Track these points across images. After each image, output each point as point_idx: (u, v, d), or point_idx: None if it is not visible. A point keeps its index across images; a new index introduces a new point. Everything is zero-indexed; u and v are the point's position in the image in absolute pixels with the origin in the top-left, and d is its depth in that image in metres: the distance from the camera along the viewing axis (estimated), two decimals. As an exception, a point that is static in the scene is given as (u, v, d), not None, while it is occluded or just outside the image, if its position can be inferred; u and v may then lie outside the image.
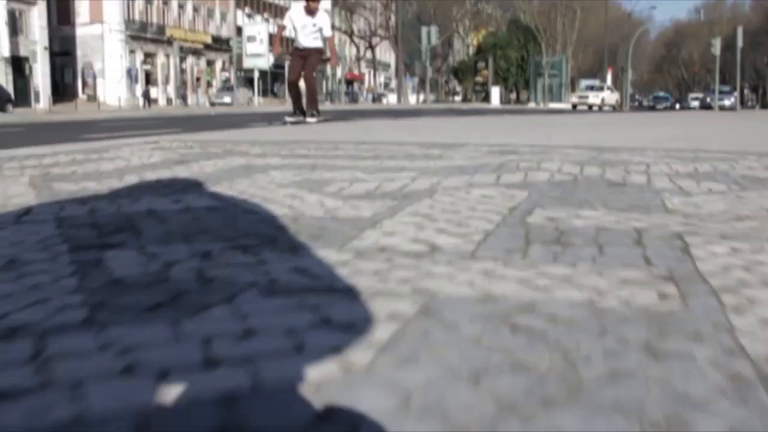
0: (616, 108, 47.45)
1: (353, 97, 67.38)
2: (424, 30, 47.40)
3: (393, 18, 59.90)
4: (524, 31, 72.18)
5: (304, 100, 11.03)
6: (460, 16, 71.77)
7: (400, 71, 61.15)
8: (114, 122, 14.99)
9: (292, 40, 11.06)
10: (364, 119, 13.84)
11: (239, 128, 9.77)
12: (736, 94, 53.27)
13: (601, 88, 50.25)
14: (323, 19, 10.76)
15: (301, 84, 11.03)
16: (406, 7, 63.17)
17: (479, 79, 72.26)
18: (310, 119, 10.78)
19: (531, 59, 71.27)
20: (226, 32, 64.16)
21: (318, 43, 10.82)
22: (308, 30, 10.66)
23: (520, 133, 7.51)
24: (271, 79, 66.45)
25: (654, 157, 4.38)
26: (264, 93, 63.99)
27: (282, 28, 11.46)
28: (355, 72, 77.35)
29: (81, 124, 15.03)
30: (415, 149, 4.91)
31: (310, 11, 10.61)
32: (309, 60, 10.74)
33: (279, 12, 70.96)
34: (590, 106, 45.19)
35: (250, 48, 50.83)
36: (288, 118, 11.05)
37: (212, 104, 49.86)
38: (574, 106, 45.92)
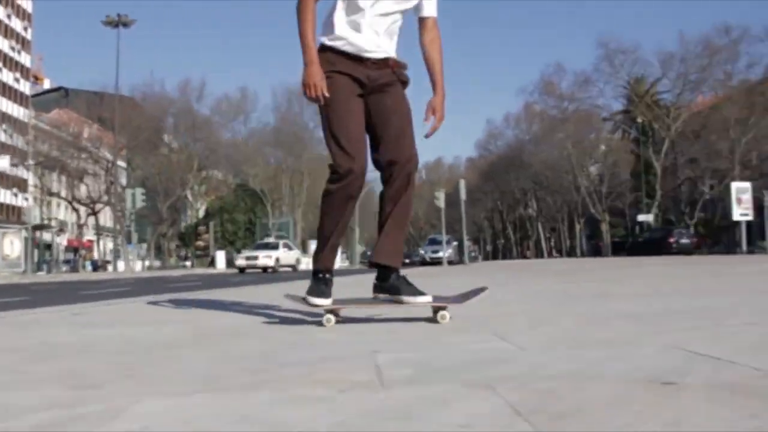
0: (296, 269, 39.25)
1: (74, 266, 64.76)
2: (128, 192, 42.86)
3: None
4: (251, 194, 74.49)
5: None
6: (188, 181, 72.64)
7: (122, 238, 60.18)
8: None
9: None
10: None
11: None
12: (455, 243, 48.82)
13: (276, 246, 40.92)
14: None
15: None
16: (129, 172, 63.08)
17: (200, 243, 72.66)
18: (409, 299, 3.64)
19: (258, 221, 73.32)
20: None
21: (394, 46, 3.74)
22: None
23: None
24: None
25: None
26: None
27: None
28: (82, 239, 74.72)
29: None
30: None
31: None
32: (395, 116, 3.71)
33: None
34: (264, 269, 37.34)
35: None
36: (318, 301, 3.62)
37: None
38: (242, 270, 37.71)
